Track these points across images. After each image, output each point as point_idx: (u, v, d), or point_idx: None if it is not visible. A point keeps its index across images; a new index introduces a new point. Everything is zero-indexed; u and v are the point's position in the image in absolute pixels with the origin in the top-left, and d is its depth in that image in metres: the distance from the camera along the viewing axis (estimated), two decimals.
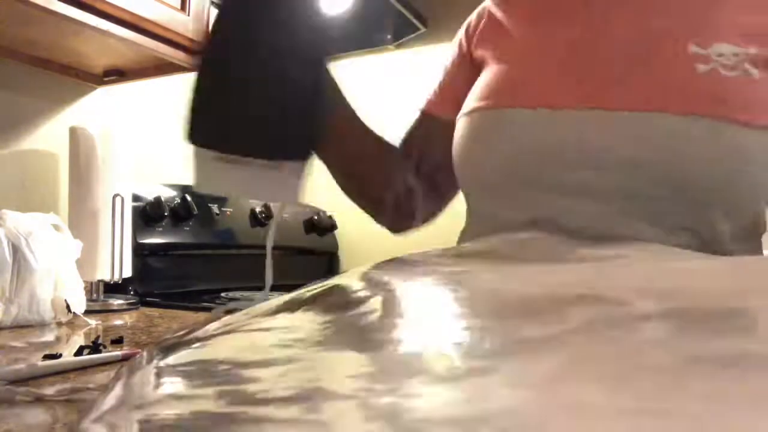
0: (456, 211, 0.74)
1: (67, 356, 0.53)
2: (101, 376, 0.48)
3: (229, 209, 1.46)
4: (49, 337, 0.74)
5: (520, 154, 0.57)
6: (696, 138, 0.50)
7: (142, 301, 1.08)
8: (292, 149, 0.49)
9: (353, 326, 0.30)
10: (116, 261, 1.08)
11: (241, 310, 0.42)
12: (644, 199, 0.52)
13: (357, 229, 2.19)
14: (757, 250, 0.56)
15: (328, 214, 1.94)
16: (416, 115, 0.75)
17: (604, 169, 0.52)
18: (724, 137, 0.50)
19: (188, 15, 1.22)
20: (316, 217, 1.82)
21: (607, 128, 0.53)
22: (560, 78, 0.58)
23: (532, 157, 0.56)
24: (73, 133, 1.18)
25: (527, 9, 0.66)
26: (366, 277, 0.41)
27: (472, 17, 0.72)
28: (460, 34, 0.73)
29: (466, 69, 0.69)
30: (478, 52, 0.68)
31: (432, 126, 0.71)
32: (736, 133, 0.50)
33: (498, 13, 0.68)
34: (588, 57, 0.57)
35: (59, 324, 0.83)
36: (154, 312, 1.01)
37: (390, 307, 0.31)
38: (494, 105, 0.60)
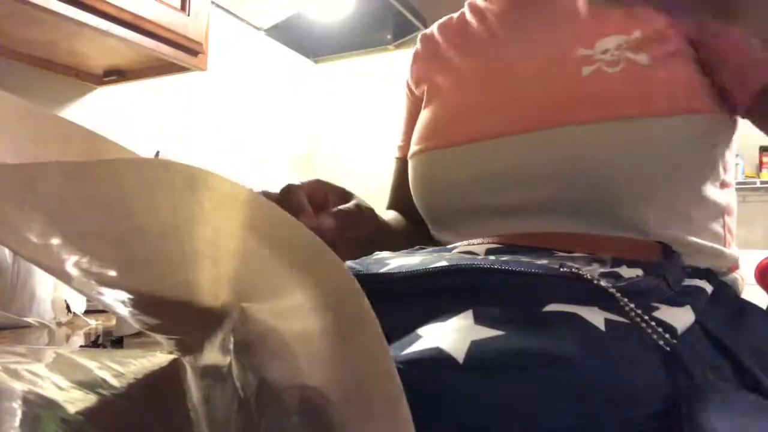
0: None
1: None
2: None
3: None
4: (49, 337, 0.74)
5: (450, 188, 0.62)
6: (588, 143, 0.51)
7: None
8: None
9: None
10: None
11: None
12: (570, 207, 0.53)
13: None
14: (688, 232, 0.55)
15: None
16: (393, 164, 0.83)
17: (526, 189, 0.55)
18: (618, 136, 0.50)
19: (188, 15, 1.22)
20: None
21: (512, 152, 0.57)
22: (469, 115, 0.62)
23: (458, 187, 0.61)
24: None
25: (446, 58, 0.73)
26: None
27: (409, 67, 0.79)
28: (407, 77, 0.80)
29: (420, 109, 0.75)
30: (420, 89, 0.75)
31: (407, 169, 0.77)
32: (630, 128, 0.50)
33: (427, 56, 0.76)
34: (490, 92, 0.62)
35: (59, 324, 0.83)
36: None
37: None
38: (423, 149, 0.66)
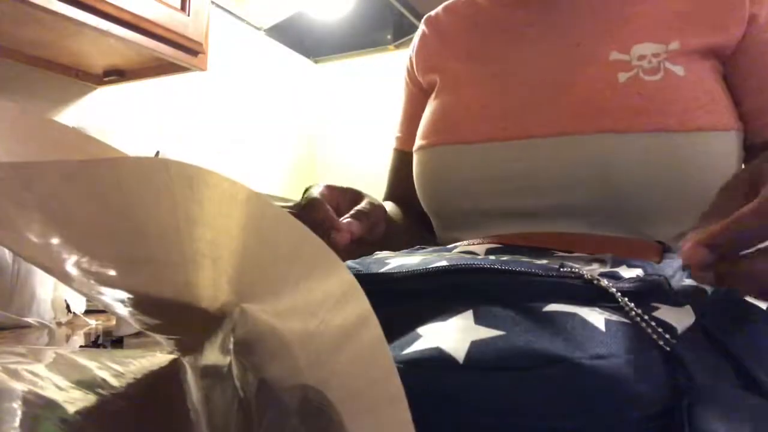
0: None
1: None
2: None
3: None
4: (49, 337, 0.74)
5: (460, 187, 0.59)
6: (621, 153, 0.50)
7: None
8: None
9: None
10: None
11: None
12: (584, 215, 0.52)
13: None
14: None
15: None
16: (391, 153, 0.79)
17: (541, 193, 0.54)
18: (655, 149, 0.49)
19: (188, 15, 1.22)
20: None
21: (535, 156, 0.54)
22: (488, 113, 0.59)
23: (470, 188, 0.59)
24: None
25: (459, 44, 0.68)
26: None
27: (412, 52, 0.76)
28: (410, 63, 0.76)
29: (422, 99, 0.71)
30: (428, 78, 0.71)
31: (407, 160, 0.73)
32: (668, 142, 0.49)
33: (435, 41, 0.71)
34: (514, 89, 0.59)
35: (59, 324, 0.83)
36: None
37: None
38: (433, 143, 0.63)
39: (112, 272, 0.25)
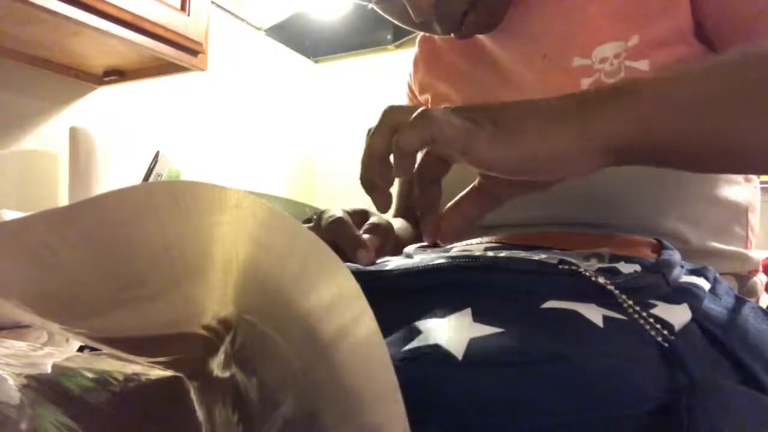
0: None
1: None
2: None
3: None
4: (48, 337, 0.74)
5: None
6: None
7: None
8: None
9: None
10: None
11: None
12: (579, 223, 0.53)
13: None
14: (706, 238, 0.53)
15: None
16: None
17: (536, 206, 0.55)
18: None
19: (188, 15, 1.22)
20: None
21: None
22: None
23: None
24: (73, 133, 1.18)
25: (447, 67, 0.70)
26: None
27: (411, 67, 0.78)
28: (409, 79, 0.78)
29: None
30: (422, 97, 0.74)
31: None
32: None
33: (428, 59, 0.73)
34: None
35: None
36: None
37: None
38: None
39: (106, 319, 0.25)
